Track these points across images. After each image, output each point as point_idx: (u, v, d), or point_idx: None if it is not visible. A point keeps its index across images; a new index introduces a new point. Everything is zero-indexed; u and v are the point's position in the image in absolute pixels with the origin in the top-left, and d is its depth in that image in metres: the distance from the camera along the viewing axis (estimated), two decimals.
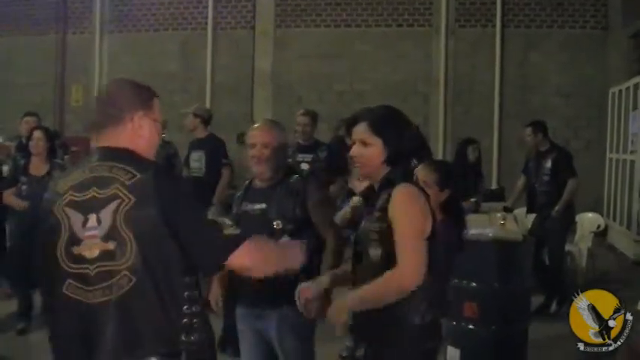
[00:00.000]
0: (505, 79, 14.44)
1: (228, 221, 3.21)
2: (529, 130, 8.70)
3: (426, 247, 3.10)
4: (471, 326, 6.00)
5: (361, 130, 3.25)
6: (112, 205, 2.53)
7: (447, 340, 6.22)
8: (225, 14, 15.51)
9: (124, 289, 2.53)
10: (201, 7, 15.54)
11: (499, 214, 7.14)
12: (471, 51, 14.57)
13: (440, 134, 14.58)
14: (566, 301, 8.18)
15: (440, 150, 14.28)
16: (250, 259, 2.71)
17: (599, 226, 10.11)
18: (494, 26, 14.43)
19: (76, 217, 2.58)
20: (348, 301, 3.17)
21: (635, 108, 11.25)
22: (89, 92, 15.89)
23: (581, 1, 14.30)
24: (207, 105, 14.20)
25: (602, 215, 11.39)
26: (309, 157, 8.33)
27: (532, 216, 8.88)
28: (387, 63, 14.69)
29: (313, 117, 8.59)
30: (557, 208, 8.34)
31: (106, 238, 2.53)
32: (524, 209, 9.17)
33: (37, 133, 7.51)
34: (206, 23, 15.48)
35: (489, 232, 6.25)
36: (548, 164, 8.52)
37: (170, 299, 2.59)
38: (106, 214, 2.54)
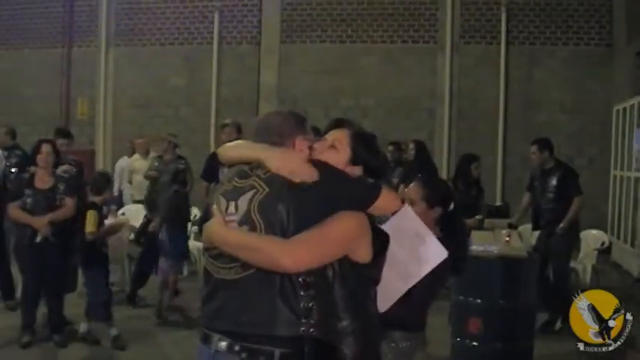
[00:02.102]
0: (509, 95, 14.48)
1: None
2: (535, 147, 8.60)
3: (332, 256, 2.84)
4: (475, 343, 5.99)
5: (340, 135, 3.15)
6: (249, 194, 2.83)
7: (451, 356, 6.23)
8: (231, 29, 15.59)
9: (251, 271, 2.77)
10: (207, 22, 15.62)
11: (504, 231, 7.14)
12: (476, 67, 14.63)
13: (444, 149, 14.63)
14: None
15: (444, 165, 14.30)
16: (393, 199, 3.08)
17: (603, 243, 10.09)
18: (498, 43, 14.49)
19: (222, 204, 2.90)
20: (224, 230, 2.86)
21: (639, 125, 11.25)
22: (94, 105, 15.99)
23: (586, 18, 14.37)
24: (212, 119, 14.30)
25: (607, 232, 11.38)
26: None
27: (538, 233, 8.84)
28: (392, 78, 14.75)
29: (315, 133, 8.56)
30: (561, 225, 8.29)
31: (241, 222, 2.82)
32: (529, 226, 9.14)
33: (46, 147, 7.49)
34: (211, 38, 15.55)
35: (494, 249, 6.24)
36: (554, 182, 8.46)
37: (289, 282, 2.76)
38: (243, 201, 2.84)
